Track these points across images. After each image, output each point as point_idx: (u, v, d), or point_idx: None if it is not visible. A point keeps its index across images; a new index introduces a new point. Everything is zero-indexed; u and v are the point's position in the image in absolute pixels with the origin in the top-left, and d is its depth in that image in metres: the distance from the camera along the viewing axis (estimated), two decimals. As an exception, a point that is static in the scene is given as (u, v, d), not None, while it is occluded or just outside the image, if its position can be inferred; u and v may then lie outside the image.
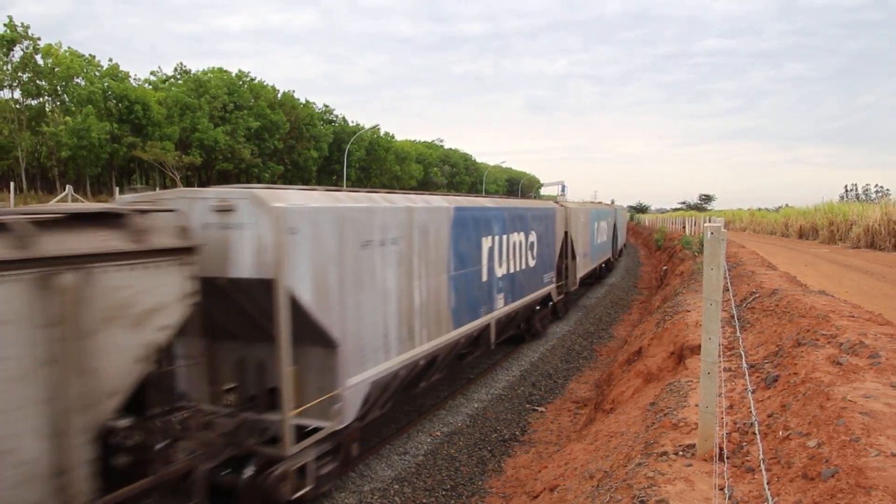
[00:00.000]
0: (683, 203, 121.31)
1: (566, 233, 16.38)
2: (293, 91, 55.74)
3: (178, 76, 46.28)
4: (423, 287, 7.76)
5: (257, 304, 5.52)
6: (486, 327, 10.25)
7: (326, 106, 59.87)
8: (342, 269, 6.05)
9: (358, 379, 6.32)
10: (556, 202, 16.70)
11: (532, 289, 12.94)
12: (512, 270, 11.45)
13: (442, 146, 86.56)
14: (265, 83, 50.70)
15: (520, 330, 13.92)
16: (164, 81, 45.95)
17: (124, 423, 4.44)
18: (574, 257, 17.30)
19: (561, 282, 15.85)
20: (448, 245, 8.53)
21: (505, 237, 10.99)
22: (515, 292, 11.76)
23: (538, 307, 14.46)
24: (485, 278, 9.96)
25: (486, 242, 10.05)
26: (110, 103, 37.06)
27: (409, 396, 9.51)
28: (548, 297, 14.64)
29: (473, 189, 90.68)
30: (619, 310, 20.23)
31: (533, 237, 12.93)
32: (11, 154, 35.58)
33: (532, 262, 12.87)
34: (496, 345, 11.87)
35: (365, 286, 6.46)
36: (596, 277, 25.06)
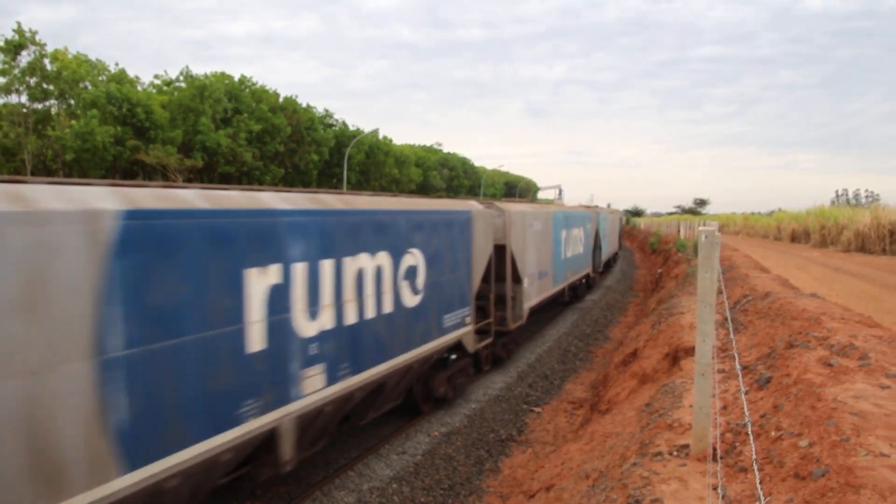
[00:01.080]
0: (678, 207, 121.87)
1: (503, 247, 11.74)
2: (296, 96, 55.77)
3: (182, 80, 46.28)
4: None
5: None
6: (269, 436, 5.54)
7: (327, 110, 59.83)
8: None
9: None
10: (492, 203, 12.15)
11: (416, 341, 8.09)
12: (354, 320, 6.63)
13: (440, 150, 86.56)
14: (267, 88, 50.80)
15: (412, 396, 9.28)
16: (168, 84, 45.99)
17: None
18: (519, 280, 12.44)
19: (486, 320, 11.13)
20: (93, 297, 3.95)
21: (329, 263, 6.22)
22: (366, 355, 6.91)
23: (453, 357, 9.92)
24: (259, 346, 5.27)
25: (264, 277, 5.34)
26: (112, 107, 37.03)
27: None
28: (458, 346, 9.80)
29: (472, 192, 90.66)
30: (614, 312, 20.34)
31: (416, 258, 8.02)
32: (18, 157, 35.59)
33: (415, 299, 8.01)
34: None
35: None
36: (570, 298, 20.17)
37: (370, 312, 6.99)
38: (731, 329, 7.62)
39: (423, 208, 8.59)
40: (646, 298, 21.88)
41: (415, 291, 8.06)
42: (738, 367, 5.29)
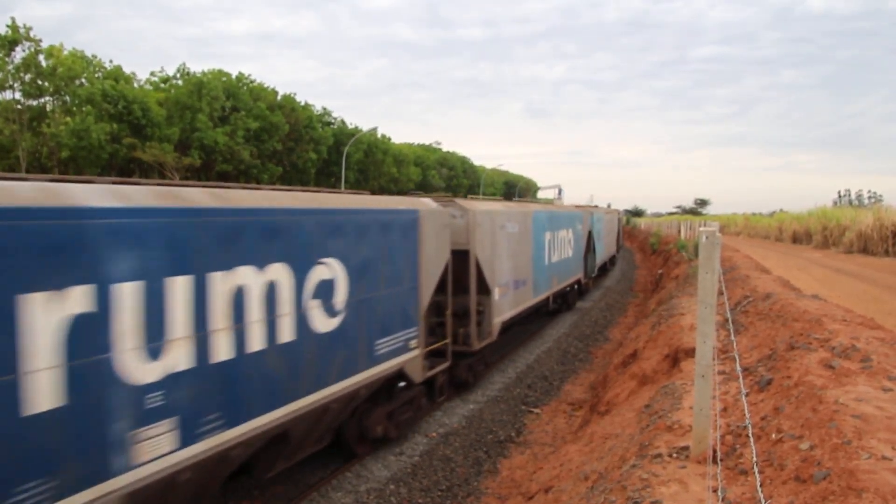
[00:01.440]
0: (679, 207, 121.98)
1: (465, 252, 10.09)
2: (295, 94, 55.79)
3: (179, 77, 46.27)
4: None
5: None
6: None
7: (325, 109, 59.85)
8: None
9: None
10: (452, 200, 10.42)
11: (334, 376, 6.48)
12: (228, 354, 5.08)
13: (439, 149, 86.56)
14: (265, 85, 50.82)
15: (343, 436, 7.73)
16: (165, 81, 46.02)
17: None
18: (487, 291, 10.76)
19: (443, 340, 9.43)
20: None
21: (184, 281, 4.68)
22: (251, 400, 5.35)
23: (401, 384, 8.32)
24: (49, 404, 3.79)
25: (58, 305, 3.84)
26: (107, 104, 37.01)
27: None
28: (400, 376, 8.11)
29: (471, 191, 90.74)
30: (614, 312, 20.32)
31: (332, 271, 6.43)
32: (12, 154, 35.60)
33: (331, 323, 6.40)
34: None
35: None
36: (559, 306, 18.41)
37: (256, 343, 5.34)
38: (731, 330, 7.57)
39: (344, 206, 6.77)
40: (646, 299, 21.85)
41: (331, 313, 6.39)
42: (738, 368, 5.25)
